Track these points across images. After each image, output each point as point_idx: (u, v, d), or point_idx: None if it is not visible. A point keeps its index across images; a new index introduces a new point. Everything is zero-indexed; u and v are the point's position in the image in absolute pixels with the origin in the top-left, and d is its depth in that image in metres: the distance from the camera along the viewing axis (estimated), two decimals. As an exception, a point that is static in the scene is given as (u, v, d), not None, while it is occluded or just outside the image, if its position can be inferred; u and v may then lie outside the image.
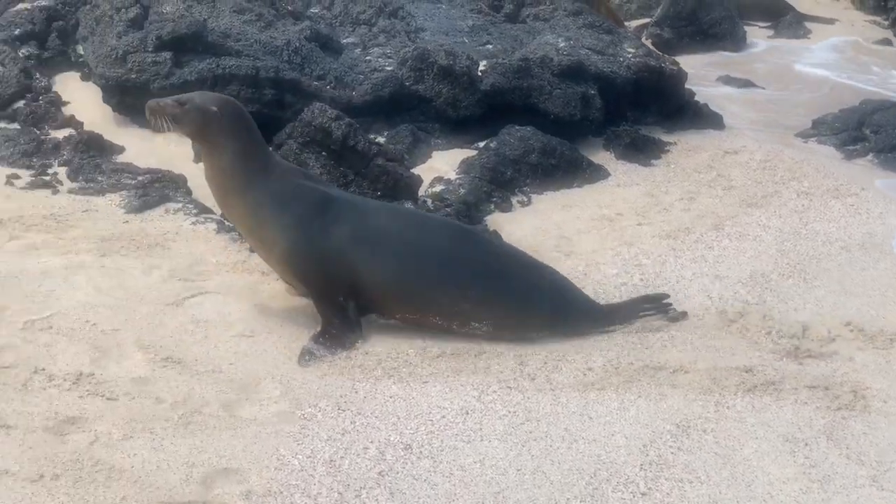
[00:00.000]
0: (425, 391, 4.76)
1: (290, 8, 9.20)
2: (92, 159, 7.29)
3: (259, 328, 5.28)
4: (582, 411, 4.64)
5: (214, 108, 5.13)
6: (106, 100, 8.13)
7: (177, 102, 5.19)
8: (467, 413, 4.59)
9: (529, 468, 4.21)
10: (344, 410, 4.57)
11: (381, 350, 5.16)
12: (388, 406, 4.63)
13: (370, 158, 6.99)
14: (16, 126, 7.85)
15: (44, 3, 9.51)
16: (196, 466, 4.08)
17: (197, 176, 7.20)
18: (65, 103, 8.41)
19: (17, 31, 8.99)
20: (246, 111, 5.47)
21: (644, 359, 5.14)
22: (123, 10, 8.54)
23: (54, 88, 8.60)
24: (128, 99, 7.95)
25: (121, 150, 7.65)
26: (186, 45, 7.99)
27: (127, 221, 6.51)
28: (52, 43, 9.10)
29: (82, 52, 9.06)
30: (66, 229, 6.27)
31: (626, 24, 12.75)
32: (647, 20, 13.61)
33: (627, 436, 4.45)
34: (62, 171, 7.21)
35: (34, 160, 7.29)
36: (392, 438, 4.37)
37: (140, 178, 7.05)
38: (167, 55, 7.87)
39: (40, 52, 8.91)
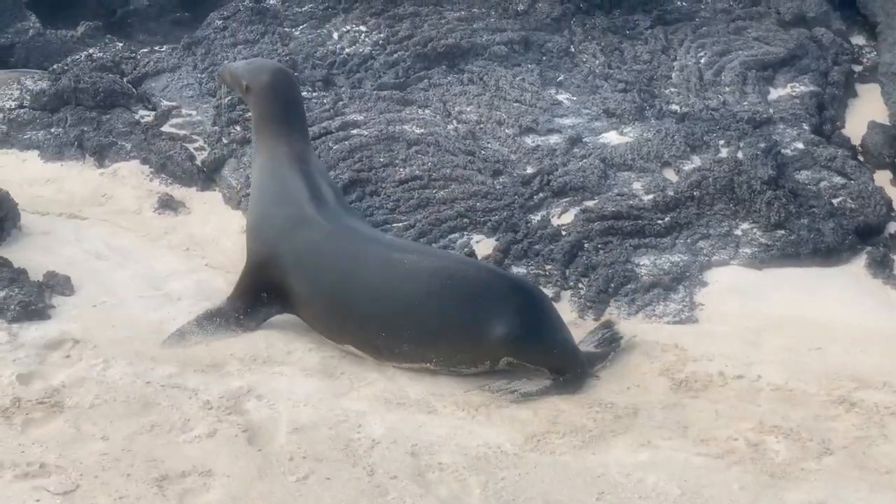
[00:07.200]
0: None
1: None
2: None
3: None
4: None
5: (244, 82, 5.46)
6: None
7: (230, 70, 5.64)
8: None
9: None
10: None
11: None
12: None
13: None
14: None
15: (809, 89, 8.15)
16: None
17: None
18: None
19: (805, 126, 7.58)
20: (288, 89, 5.48)
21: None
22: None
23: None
24: None
25: None
26: None
27: None
28: (838, 138, 7.60)
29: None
30: None
31: None
32: None
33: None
34: None
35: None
36: None
37: None
38: None
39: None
